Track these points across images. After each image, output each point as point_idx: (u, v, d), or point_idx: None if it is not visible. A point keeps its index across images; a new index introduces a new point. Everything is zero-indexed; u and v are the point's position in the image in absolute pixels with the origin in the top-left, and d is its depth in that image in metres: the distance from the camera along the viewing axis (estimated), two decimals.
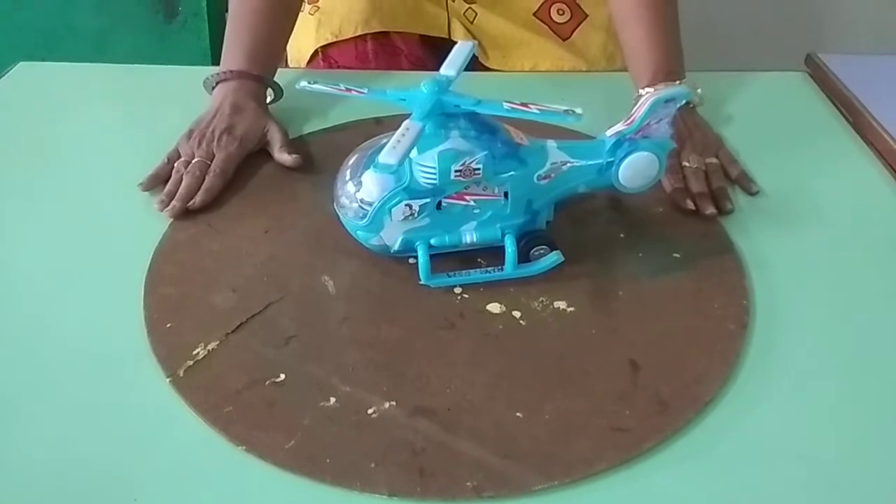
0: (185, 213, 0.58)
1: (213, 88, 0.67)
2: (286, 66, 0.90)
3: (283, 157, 0.64)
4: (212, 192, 0.60)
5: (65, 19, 1.28)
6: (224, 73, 0.67)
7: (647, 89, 0.65)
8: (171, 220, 0.58)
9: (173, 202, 0.59)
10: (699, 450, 0.43)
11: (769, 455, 0.43)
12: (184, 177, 0.61)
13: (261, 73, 0.68)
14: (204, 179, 0.60)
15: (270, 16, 0.70)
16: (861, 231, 0.59)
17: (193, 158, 0.62)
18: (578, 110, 0.47)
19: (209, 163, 0.62)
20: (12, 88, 0.76)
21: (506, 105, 0.48)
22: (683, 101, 0.53)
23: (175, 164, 0.62)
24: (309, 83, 0.52)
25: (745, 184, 0.63)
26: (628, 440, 0.43)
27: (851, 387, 0.47)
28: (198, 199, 0.59)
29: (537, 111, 0.47)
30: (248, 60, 0.67)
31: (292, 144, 0.65)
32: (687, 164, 0.62)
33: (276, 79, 0.71)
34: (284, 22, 0.73)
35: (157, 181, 0.61)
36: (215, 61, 0.70)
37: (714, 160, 0.64)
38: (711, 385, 0.46)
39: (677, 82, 0.65)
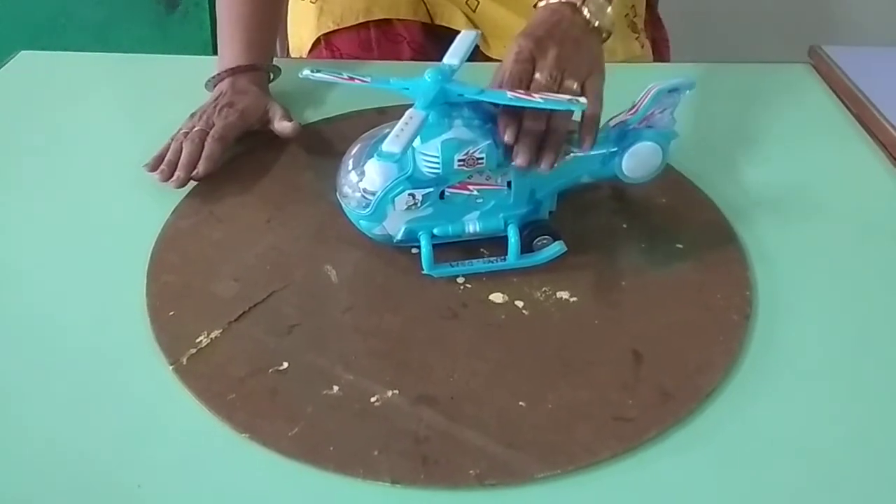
0: (190, 205, 0.58)
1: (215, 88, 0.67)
2: (287, 55, 0.89)
3: (283, 124, 0.64)
4: (213, 158, 0.60)
5: (66, 9, 1.28)
6: (223, 73, 0.66)
7: (542, 2, 0.57)
8: (175, 207, 0.58)
9: (177, 172, 0.59)
10: (701, 440, 0.43)
11: (770, 446, 0.43)
12: (184, 146, 0.60)
13: (258, 63, 0.68)
14: (204, 147, 0.60)
15: (260, 5, 0.69)
16: (864, 223, 0.59)
17: (194, 129, 0.62)
18: (582, 100, 0.47)
19: (209, 131, 0.61)
20: (14, 77, 0.76)
21: (509, 94, 0.47)
22: (687, 91, 0.53)
23: (175, 136, 0.62)
24: (312, 72, 0.51)
25: (585, 131, 0.50)
26: (630, 430, 0.43)
27: (854, 378, 0.47)
28: (200, 169, 0.59)
29: (541, 100, 0.47)
30: (246, 54, 0.67)
31: (292, 117, 0.65)
32: (538, 76, 0.51)
33: (278, 67, 0.71)
34: (275, 8, 0.73)
35: (162, 161, 0.61)
36: (216, 52, 0.70)
37: (574, 85, 0.51)
38: (714, 376, 0.46)
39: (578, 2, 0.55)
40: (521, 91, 0.48)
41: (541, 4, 0.57)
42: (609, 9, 0.56)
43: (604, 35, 0.56)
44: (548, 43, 0.53)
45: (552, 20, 0.55)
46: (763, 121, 0.70)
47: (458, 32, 0.55)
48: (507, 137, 0.48)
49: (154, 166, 0.60)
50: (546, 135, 0.50)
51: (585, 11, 0.55)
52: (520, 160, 0.48)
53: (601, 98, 0.52)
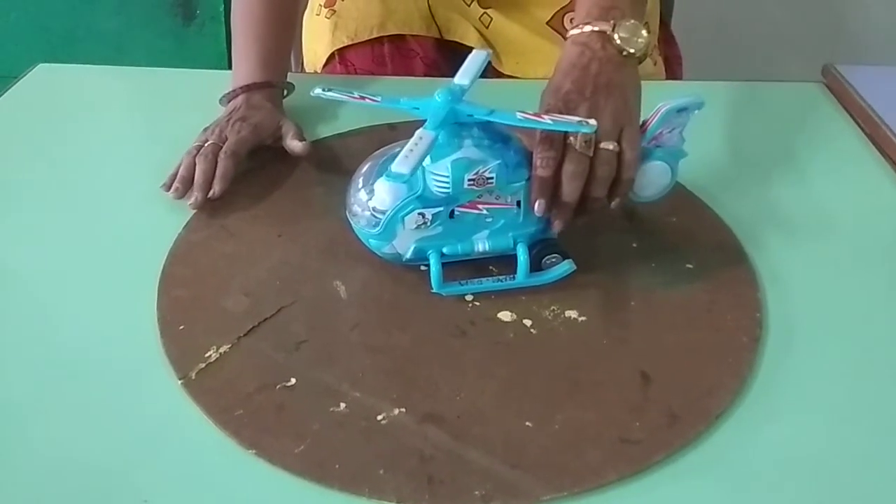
0: (202, 219, 0.58)
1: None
2: (301, 70, 0.90)
3: (294, 143, 0.64)
4: (227, 176, 0.60)
5: (84, 21, 1.29)
6: (237, 89, 0.67)
7: (573, 31, 0.55)
8: (187, 221, 0.58)
9: (195, 193, 0.59)
10: (709, 463, 0.43)
11: (780, 470, 0.42)
12: (198, 162, 0.61)
13: (273, 79, 0.69)
14: (217, 163, 0.60)
15: (275, 22, 0.70)
16: (877, 244, 0.58)
17: (207, 143, 0.62)
18: (592, 121, 0.47)
19: (221, 146, 0.62)
20: (32, 90, 0.77)
21: (519, 115, 0.48)
22: (696, 111, 0.53)
23: (188, 151, 0.62)
24: (323, 90, 0.52)
25: (618, 192, 0.51)
26: (638, 452, 0.42)
27: (865, 402, 0.46)
28: (216, 189, 0.59)
29: (550, 121, 0.47)
30: (260, 70, 0.68)
31: (304, 136, 0.65)
32: (572, 140, 0.49)
33: (292, 84, 0.71)
34: (289, 25, 0.74)
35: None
36: (231, 65, 0.71)
37: (611, 146, 0.49)
38: (723, 398, 0.46)
39: (611, 22, 0.53)
40: (531, 113, 0.48)
41: (574, 32, 0.55)
42: (644, 31, 0.54)
43: (639, 58, 0.54)
44: (577, 100, 0.51)
45: (581, 63, 0.52)
46: (776, 140, 0.70)
47: (470, 49, 0.55)
48: (538, 209, 0.49)
49: (170, 185, 0.60)
50: (585, 202, 0.50)
51: (617, 39, 0.53)
52: (556, 227, 0.51)
53: (638, 149, 0.50)
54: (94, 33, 1.30)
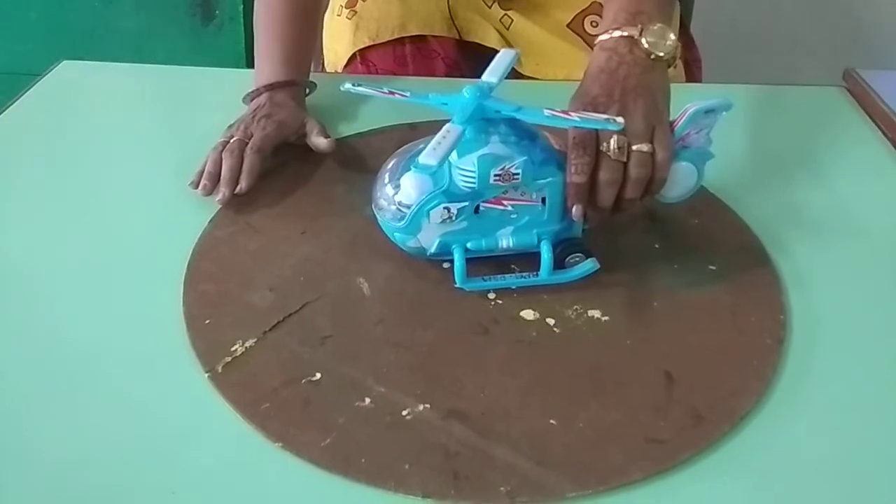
0: (226, 215, 0.59)
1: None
2: (322, 69, 0.91)
3: (319, 140, 0.65)
4: (253, 172, 0.61)
5: (104, 20, 1.31)
6: (260, 88, 0.67)
7: (601, 37, 0.55)
8: (212, 217, 0.59)
9: (221, 189, 0.59)
10: (734, 464, 0.42)
11: (804, 471, 0.42)
12: (224, 158, 0.61)
13: (296, 78, 0.69)
14: (243, 159, 0.61)
15: (297, 21, 0.71)
16: None
17: (233, 139, 0.63)
18: (619, 119, 0.47)
19: (247, 142, 0.62)
20: (55, 86, 0.78)
21: (546, 112, 0.48)
22: (724, 112, 0.53)
23: (214, 147, 0.63)
24: (353, 85, 0.52)
25: (651, 191, 0.52)
26: (663, 452, 0.42)
27: (889, 404, 0.46)
28: (243, 185, 0.60)
29: (578, 119, 0.48)
30: (283, 70, 0.68)
31: (328, 133, 0.66)
32: (605, 146, 0.50)
33: (314, 82, 0.72)
34: (312, 25, 0.74)
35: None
36: (250, 64, 0.71)
37: (645, 147, 0.50)
38: (747, 399, 0.45)
39: (638, 27, 0.54)
40: (559, 110, 0.48)
41: (602, 38, 0.56)
42: (671, 35, 0.54)
43: (668, 61, 0.54)
44: (606, 103, 0.52)
45: (609, 68, 0.53)
46: (797, 143, 0.69)
47: (490, 49, 0.55)
48: (576, 214, 0.51)
49: (198, 183, 0.61)
50: (620, 202, 0.51)
51: (645, 43, 0.53)
52: (591, 225, 0.53)
53: (670, 148, 0.51)
54: (113, 33, 1.31)
